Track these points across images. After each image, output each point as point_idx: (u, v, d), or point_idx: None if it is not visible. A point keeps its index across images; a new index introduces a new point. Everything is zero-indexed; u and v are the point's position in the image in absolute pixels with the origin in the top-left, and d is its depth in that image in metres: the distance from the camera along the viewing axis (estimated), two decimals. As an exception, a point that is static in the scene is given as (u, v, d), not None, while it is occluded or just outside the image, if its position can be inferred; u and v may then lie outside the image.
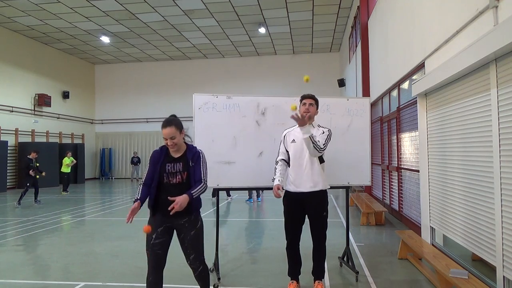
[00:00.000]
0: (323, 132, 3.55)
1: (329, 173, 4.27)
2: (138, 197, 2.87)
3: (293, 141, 3.60)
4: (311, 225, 3.65)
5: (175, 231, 3.05)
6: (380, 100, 9.41)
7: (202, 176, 2.95)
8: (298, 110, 3.41)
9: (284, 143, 3.71)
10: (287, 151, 3.67)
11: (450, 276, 3.44)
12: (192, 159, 2.98)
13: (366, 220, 7.19)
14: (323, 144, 3.44)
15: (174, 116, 3.11)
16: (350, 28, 14.34)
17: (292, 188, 3.59)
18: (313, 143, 3.33)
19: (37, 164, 10.67)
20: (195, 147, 3.11)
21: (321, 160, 3.61)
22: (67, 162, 13.43)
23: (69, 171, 13.61)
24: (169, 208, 2.69)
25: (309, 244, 3.72)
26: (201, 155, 3.03)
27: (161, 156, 3.01)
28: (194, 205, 2.96)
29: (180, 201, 2.70)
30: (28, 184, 10.17)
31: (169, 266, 4.63)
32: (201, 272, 3.13)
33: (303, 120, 3.29)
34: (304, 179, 3.53)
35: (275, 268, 4.46)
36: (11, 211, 9.60)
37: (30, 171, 10.23)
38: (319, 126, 3.67)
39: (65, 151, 14.96)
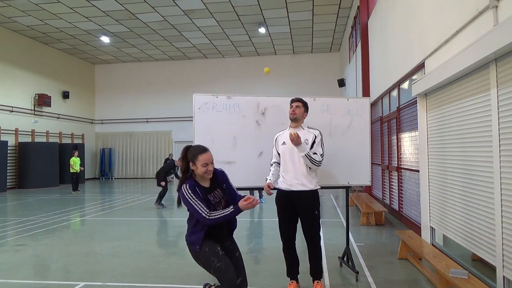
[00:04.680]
0: (315, 137, 3.66)
1: (329, 173, 4.29)
2: (230, 208, 2.76)
3: (284, 143, 3.71)
4: (302, 225, 3.68)
5: None
6: (380, 100, 9.40)
7: (236, 191, 3.00)
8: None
9: (276, 146, 3.82)
10: (278, 154, 3.78)
11: (450, 276, 3.44)
12: (222, 181, 2.96)
13: (366, 220, 7.19)
14: (321, 154, 3.62)
15: None
16: (350, 28, 14.34)
17: (283, 187, 3.67)
18: (310, 160, 3.55)
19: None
20: (215, 168, 2.98)
21: None
22: (78, 162, 13.56)
23: (78, 170, 13.63)
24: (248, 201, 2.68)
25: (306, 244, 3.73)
26: (225, 173, 3.02)
27: (199, 189, 2.82)
28: (234, 225, 3.04)
29: (248, 202, 2.70)
30: (165, 186, 10.07)
31: (169, 266, 4.64)
32: None
33: (296, 141, 3.49)
34: (294, 179, 3.61)
35: (275, 268, 4.46)
36: (11, 212, 9.60)
37: (169, 177, 10.13)
38: (308, 127, 3.75)
39: (66, 151, 14.96)
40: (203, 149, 2.82)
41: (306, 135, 3.67)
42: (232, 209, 2.70)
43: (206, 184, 2.88)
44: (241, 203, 2.69)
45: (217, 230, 2.84)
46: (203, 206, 2.70)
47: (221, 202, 2.89)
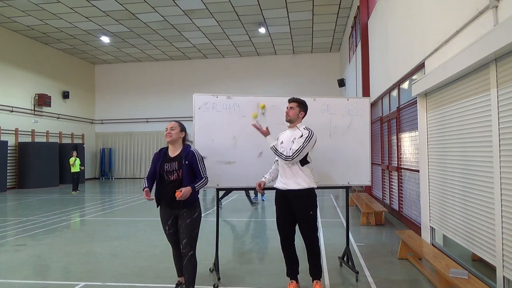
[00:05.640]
0: (301, 135, 3.60)
1: (329, 173, 4.29)
2: (146, 186, 3.40)
3: (282, 142, 3.75)
4: (299, 225, 3.70)
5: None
6: (380, 100, 9.41)
7: (202, 173, 3.43)
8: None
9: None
10: None
11: (450, 276, 3.44)
12: (186, 157, 3.39)
13: (366, 220, 7.19)
14: (296, 150, 3.54)
15: None
16: (350, 28, 14.34)
17: (280, 186, 3.71)
18: (275, 153, 3.67)
19: None
20: (190, 146, 3.51)
21: (304, 162, 3.66)
22: (78, 162, 13.65)
23: (78, 170, 13.66)
24: (176, 195, 3.18)
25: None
26: (195, 153, 3.45)
27: (160, 156, 3.48)
28: (192, 197, 3.36)
29: (184, 190, 3.20)
30: None
31: (169, 266, 4.64)
32: (189, 260, 3.36)
33: (264, 132, 3.74)
34: (289, 178, 3.64)
35: (275, 268, 4.46)
36: (11, 212, 9.60)
37: None
38: (304, 128, 3.70)
39: (66, 151, 14.91)
40: (170, 121, 3.57)
41: (297, 134, 3.65)
42: (144, 187, 3.38)
43: (172, 154, 3.45)
44: (146, 190, 3.34)
45: (164, 196, 3.40)
46: (149, 170, 3.50)
47: (174, 173, 3.38)
